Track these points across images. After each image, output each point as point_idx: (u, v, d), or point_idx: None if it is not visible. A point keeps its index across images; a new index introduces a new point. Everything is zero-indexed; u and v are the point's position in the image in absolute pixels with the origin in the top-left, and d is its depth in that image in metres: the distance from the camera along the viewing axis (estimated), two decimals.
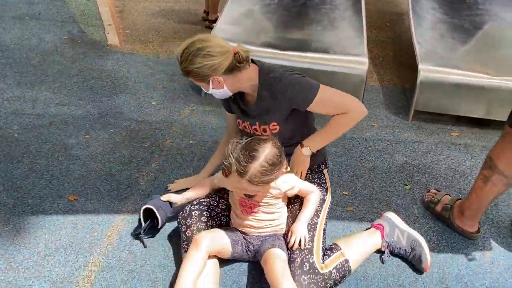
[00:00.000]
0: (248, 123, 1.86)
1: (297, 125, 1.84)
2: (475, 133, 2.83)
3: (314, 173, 1.95)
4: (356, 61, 2.92)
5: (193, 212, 1.79)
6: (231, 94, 1.83)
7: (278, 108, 1.76)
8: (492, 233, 2.07)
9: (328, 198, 1.90)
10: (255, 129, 1.85)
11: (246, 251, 1.75)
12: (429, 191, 2.25)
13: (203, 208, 1.82)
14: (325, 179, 1.96)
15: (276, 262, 1.58)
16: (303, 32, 3.33)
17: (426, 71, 2.85)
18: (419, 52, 3.01)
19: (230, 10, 3.48)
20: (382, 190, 2.30)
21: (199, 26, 4.44)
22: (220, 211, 1.86)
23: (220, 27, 3.22)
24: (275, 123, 1.79)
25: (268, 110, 1.78)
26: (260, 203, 1.72)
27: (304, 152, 1.83)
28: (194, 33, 4.15)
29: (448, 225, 2.08)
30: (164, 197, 1.92)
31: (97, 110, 2.81)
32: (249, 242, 1.75)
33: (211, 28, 4.41)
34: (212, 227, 1.79)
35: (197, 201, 1.86)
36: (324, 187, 1.92)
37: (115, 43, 3.78)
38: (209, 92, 1.81)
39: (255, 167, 1.55)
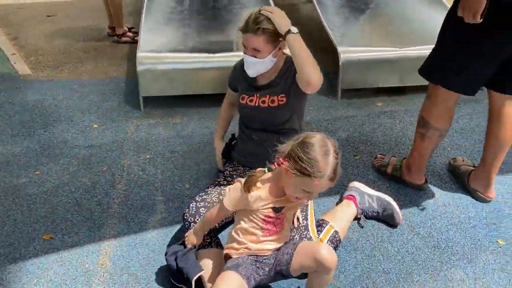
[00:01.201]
0: (257, 95, 2.00)
1: (296, 107, 1.99)
2: (395, 100, 3.21)
3: None
4: None
5: (200, 209, 1.85)
6: (269, 68, 1.96)
7: (286, 84, 1.97)
8: (436, 181, 2.41)
9: None
10: (263, 101, 2.00)
11: (260, 275, 1.63)
12: (376, 157, 2.54)
13: (209, 205, 1.88)
14: None
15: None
16: (224, 33, 3.46)
17: (345, 52, 3.15)
18: (334, 37, 3.31)
19: (148, 22, 3.47)
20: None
21: (107, 42, 4.33)
22: None
23: (145, 39, 3.21)
24: (283, 95, 1.97)
25: (279, 84, 1.98)
26: (286, 215, 1.62)
27: (293, 29, 1.85)
28: (104, 50, 4.16)
29: (400, 183, 2.37)
30: (188, 245, 1.74)
31: (37, 144, 2.66)
32: (261, 264, 1.63)
33: (120, 42, 4.34)
34: (219, 224, 1.86)
35: (201, 198, 1.91)
36: None
37: (27, 72, 3.56)
38: (262, 60, 1.90)
39: (334, 161, 1.43)
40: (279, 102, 1.98)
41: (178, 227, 2.07)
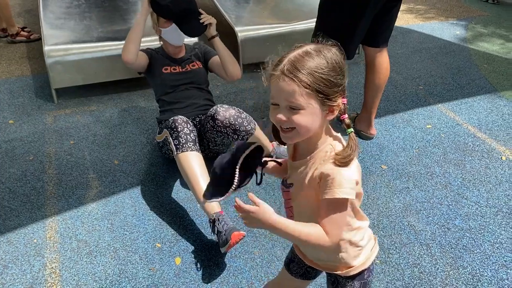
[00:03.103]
0: (178, 66, 2.49)
1: (207, 76, 2.54)
2: None
3: None
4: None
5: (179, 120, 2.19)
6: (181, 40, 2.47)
7: (195, 58, 2.54)
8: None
9: None
10: (185, 68, 2.48)
11: None
12: None
13: (191, 128, 2.19)
14: None
15: None
16: (126, 22, 3.61)
17: (242, 31, 3.51)
18: (230, 19, 3.65)
19: (47, 18, 3.50)
20: None
21: (1, 43, 4.21)
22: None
23: (48, 33, 3.26)
24: (199, 62, 2.54)
25: (190, 58, 2.53)
26: (291, 194, 1.15)
27: (217, 40, 2.42)
28: (0, 51, 4.05)
29: None
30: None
31: None
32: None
33: (15, 42, 4.26)
34: (197, 136, 2.19)
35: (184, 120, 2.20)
36: None
37: None
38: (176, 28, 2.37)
39: (298, 53, 1.04)
40: (198, 66, 2.45)
41: (116, 196, 2.28)
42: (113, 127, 2.87)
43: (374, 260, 1.23)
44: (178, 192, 2.31)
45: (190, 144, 2.09)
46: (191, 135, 2.12)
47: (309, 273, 1.36)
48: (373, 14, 2.36)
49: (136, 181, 2.39)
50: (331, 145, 1.08)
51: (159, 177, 2.42)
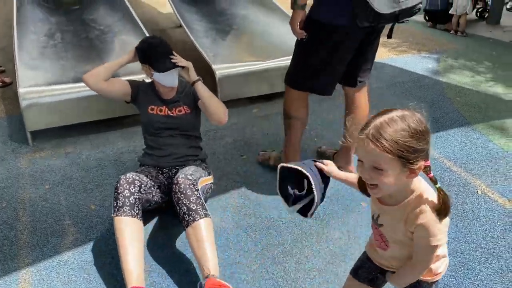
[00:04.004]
0: (165, 107, 2.39)
1: (197, 117, 2.47)
2: (267, 106, 3.69)
3: (204, 164, 2.46)
4: None
5: (135, 181, 2.13)
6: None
7: (184, 100, 2.42)
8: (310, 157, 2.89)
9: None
10: (172, 112, 2.38)
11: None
12: (259, 154, 2.95)
13: (142, 180, 2.15)
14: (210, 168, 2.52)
15: None
16: (102, 61, 3.60)
17: (219, 69, 3.55)
18: (207, 57, 3.69)
19: (22, 59, 3.47)
20: (228, 164, 2.89)
21: None
22: (150, 187, 2.22)
23: (23, 75, 3.22)
24: (187, 107, 2.41)
25: (179, 100, 2.42)
26: (382, 231, 1.34)
27: (198, 86, 2.30)
28: None
29: None
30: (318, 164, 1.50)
31: None
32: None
33: None
34: (140, 199, 2.11)
35: (135, 174, 2.16)
36: (210, 173, 2.46)
37: None
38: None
39: (383, 120, 1.15)
40: (186, 111, 2.40)
41: (92, 243, 2.22)
42: (90, 169, 2.82)
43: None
44: (157, 238, 2.27)
45: (126, 208, 2.04)
46: (131, 198, 2.07)
47: (378, 280, 1.50)
48: (350, 52, 2.40)
49: (113, 227, 2.33)
50: (421, 195, 1.23)
51: None
